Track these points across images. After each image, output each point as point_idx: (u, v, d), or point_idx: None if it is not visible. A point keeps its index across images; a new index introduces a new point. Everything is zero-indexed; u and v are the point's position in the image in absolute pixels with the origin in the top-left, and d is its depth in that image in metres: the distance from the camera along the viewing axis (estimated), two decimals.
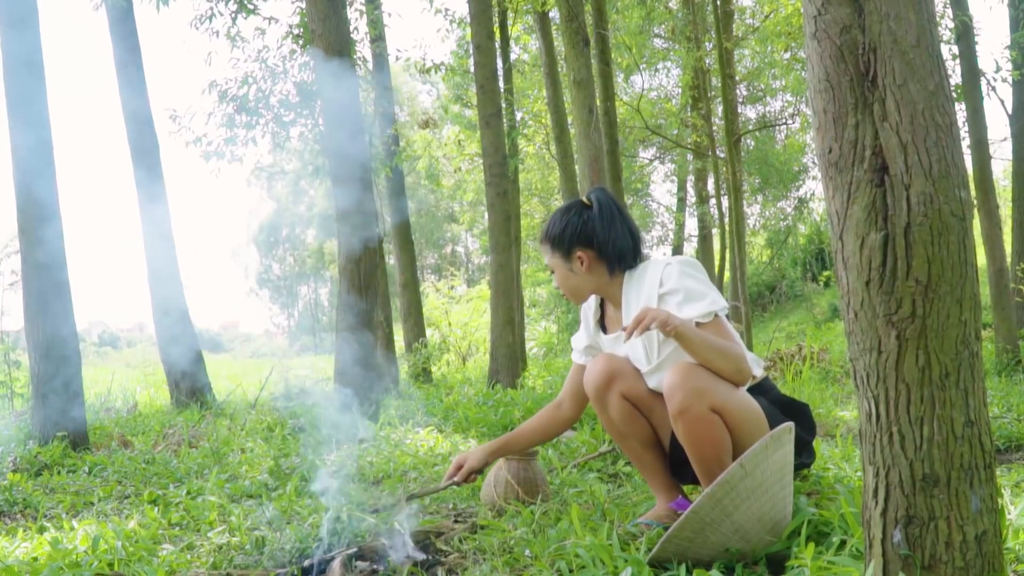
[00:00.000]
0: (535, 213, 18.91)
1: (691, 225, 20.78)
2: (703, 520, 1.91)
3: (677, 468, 2.44)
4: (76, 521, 2.89)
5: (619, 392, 2.36)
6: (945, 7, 7.58)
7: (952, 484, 1.38)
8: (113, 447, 4.74)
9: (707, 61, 14.47)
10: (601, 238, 2.40)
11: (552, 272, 2.52)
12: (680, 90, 16.98)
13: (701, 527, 1.92)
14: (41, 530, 2.77)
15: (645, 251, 2.50)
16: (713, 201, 17.10)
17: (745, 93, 18.50)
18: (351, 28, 8.00)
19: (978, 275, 1.44)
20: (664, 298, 2.28)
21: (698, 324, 2.22)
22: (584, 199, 2.49)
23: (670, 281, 2.28)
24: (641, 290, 2.36)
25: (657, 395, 2.38)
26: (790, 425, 2.01)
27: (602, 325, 2.57)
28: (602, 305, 2.58)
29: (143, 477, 3.82)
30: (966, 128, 7.37)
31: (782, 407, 2.39)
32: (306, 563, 2.22)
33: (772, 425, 2.25)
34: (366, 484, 3.38)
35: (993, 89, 7.79)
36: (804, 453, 2.43)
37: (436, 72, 10.17)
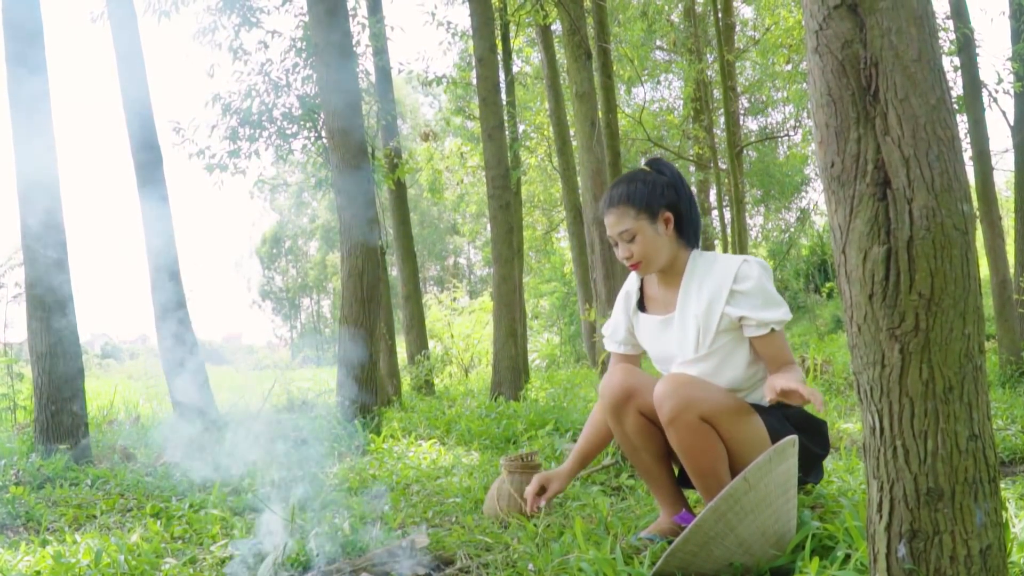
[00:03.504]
0: (537, 225, 18.94)
1: None
2: (707, 534, 1.91)
3: (685, 477, 2.44)
4: (79, 535, 2.89)
5: (637, 408, 2.34)
6: (946, 19, 7.58)
7: (956, 498, 1.38)
8: (115, 460, 4.73)
9: (708, 73, 14.53)
10: (681, 205, 2.36)
11: (622, 241, 2.35)
12: (682, 102, 17.05)
13: (705, 541, 1.92)
14: (44, 543, 2.76)
15: None
16: (715, 212, 17.15)
17: (747, 105, 18.57)
18: (354, 41, 8.01)
19: (981, 287, 1.44)
20: (739, 295, 2.24)
21: (772, 330, 2.23)
22: (646, 167, 2.42)
23: (750, 281, 2.24)
24: (708, 276, 2.31)
25: None
26: (793, 438, 2.01)
27: (640, 306, 2.52)
28: (640, 289, 2.54)
29: (145, 490, 3.81)
30: (968, 140, 7.35)
31: (797, 421, 2.36)
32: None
33: (780, 439, 2.23)
34: (368, 497, 3.37)
35: (995, 100, 7.77)
36: (814, 471, 2.41)
37: (438, 85, 10.20)
